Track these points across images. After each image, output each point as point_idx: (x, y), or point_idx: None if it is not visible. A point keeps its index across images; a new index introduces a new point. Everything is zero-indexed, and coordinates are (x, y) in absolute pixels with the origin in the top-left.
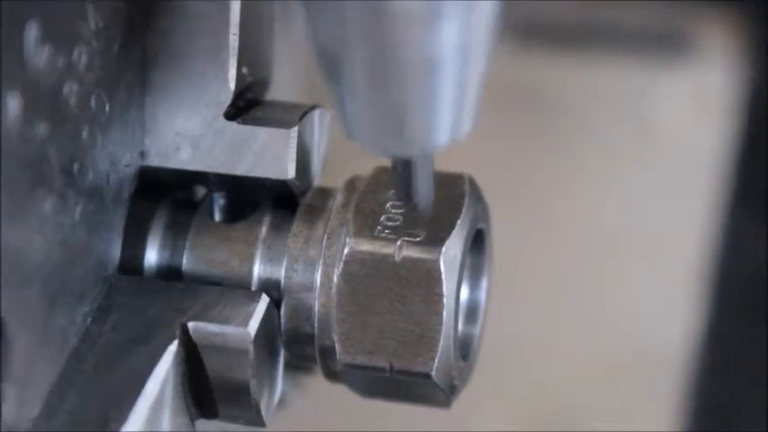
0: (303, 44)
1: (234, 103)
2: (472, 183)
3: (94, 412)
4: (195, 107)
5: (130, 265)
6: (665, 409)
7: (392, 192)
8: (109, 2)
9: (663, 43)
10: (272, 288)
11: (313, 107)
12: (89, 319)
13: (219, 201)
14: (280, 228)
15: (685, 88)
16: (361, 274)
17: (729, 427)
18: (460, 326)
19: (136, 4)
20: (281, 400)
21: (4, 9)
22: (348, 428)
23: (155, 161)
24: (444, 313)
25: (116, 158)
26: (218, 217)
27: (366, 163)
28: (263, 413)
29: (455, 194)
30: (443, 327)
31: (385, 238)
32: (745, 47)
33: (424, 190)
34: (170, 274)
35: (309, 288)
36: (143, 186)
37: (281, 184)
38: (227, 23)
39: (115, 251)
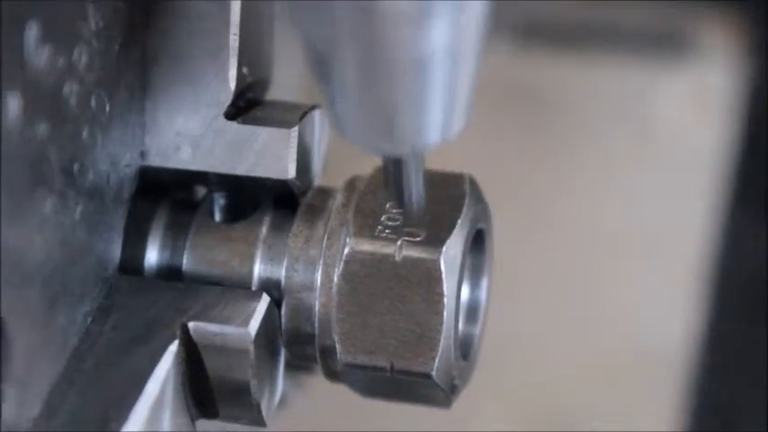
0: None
1: (234, 103)
2: (473, 183)
3: (95, 412)
4: (195, 107)
5: (131, 264)
6: (665, 409)
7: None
8: (109, 2)
9: (663, 43)
10: (272, 288)
11: (313, 107)
12: (89, 319)
13: (220, 201)
14: (280, 228)
15: (685, 88)
16: (362, 274)
17: (729, 427)
18: (461, 326)
19: (136, 4)
20: (282, 400)
21: (4, 9)
22: (348, 428)
23: (155, 161)
24: (445, 313)
25: (116, 158)
26: (218, 217)
27: (366, 163)
28: (264, 413)
29: (456, 194)
30: (444, 326)
31: (385, 238)
32: (745, 47)
33: (415, 189)
34: (170, 274)
35: (310, 288)
36: (143, 186)
37: (282, 184)
38: (227, 23)
39: (115, 251)
